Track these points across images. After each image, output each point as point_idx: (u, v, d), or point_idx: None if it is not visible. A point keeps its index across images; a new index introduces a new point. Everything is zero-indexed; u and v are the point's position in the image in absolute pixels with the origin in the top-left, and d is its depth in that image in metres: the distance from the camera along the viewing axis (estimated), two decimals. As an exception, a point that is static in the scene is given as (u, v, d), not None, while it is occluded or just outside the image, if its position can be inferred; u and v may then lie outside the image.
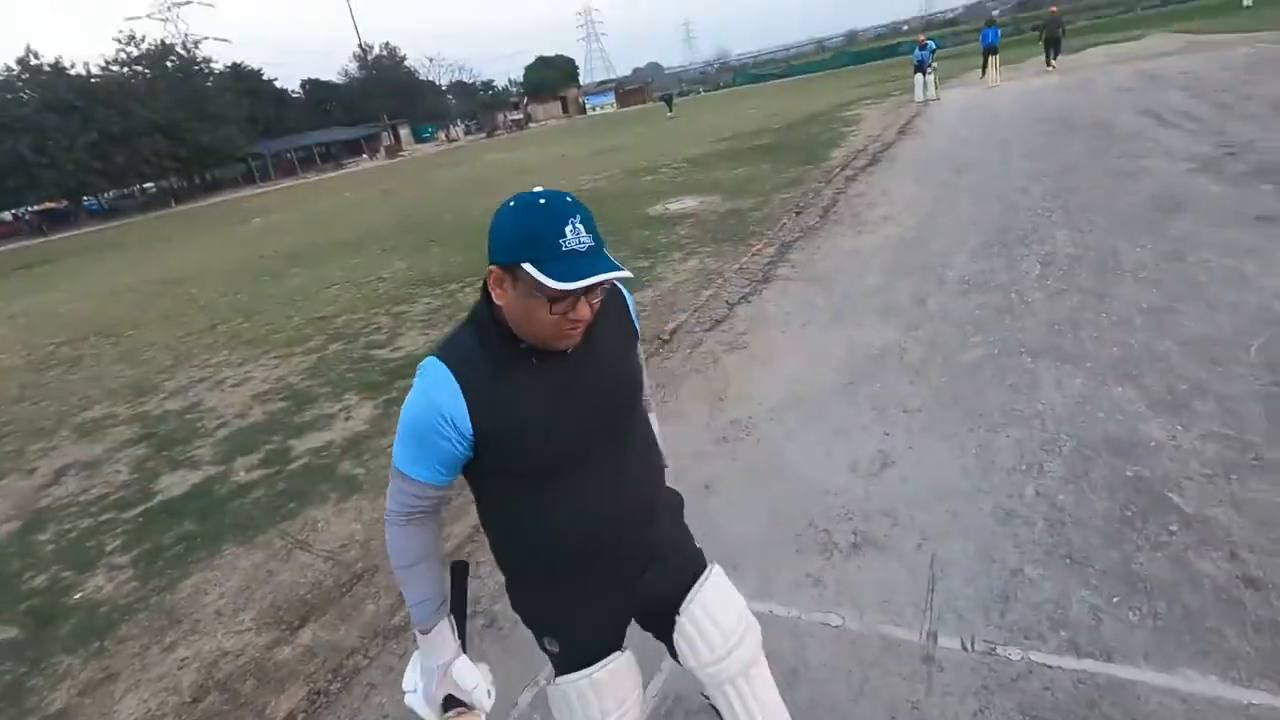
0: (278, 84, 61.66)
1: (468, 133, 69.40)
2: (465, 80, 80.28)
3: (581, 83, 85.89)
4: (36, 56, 42.23)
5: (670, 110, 36.64)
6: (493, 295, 1.12)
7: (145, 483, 4.33)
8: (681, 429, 3.61)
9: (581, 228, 1.05)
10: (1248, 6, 28.58)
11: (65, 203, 45.65)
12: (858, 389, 3.65)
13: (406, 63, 73.10)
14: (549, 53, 79.88)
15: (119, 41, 47.77)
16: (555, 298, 1.05)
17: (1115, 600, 2.06)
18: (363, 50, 67.18)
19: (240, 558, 3.28)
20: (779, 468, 3.10)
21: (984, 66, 18.97)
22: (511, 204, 1.08)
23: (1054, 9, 20.98)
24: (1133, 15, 46.15)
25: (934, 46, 17.91)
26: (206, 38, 54.49)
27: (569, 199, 1.08)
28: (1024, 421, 3.05)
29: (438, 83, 77.73)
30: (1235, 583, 2.04)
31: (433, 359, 1.15)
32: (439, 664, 1.27)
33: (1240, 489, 2.40)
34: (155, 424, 5.34)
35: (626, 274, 1.07)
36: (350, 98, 65.99)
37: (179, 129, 45.23)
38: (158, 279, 13.25)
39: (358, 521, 3.37)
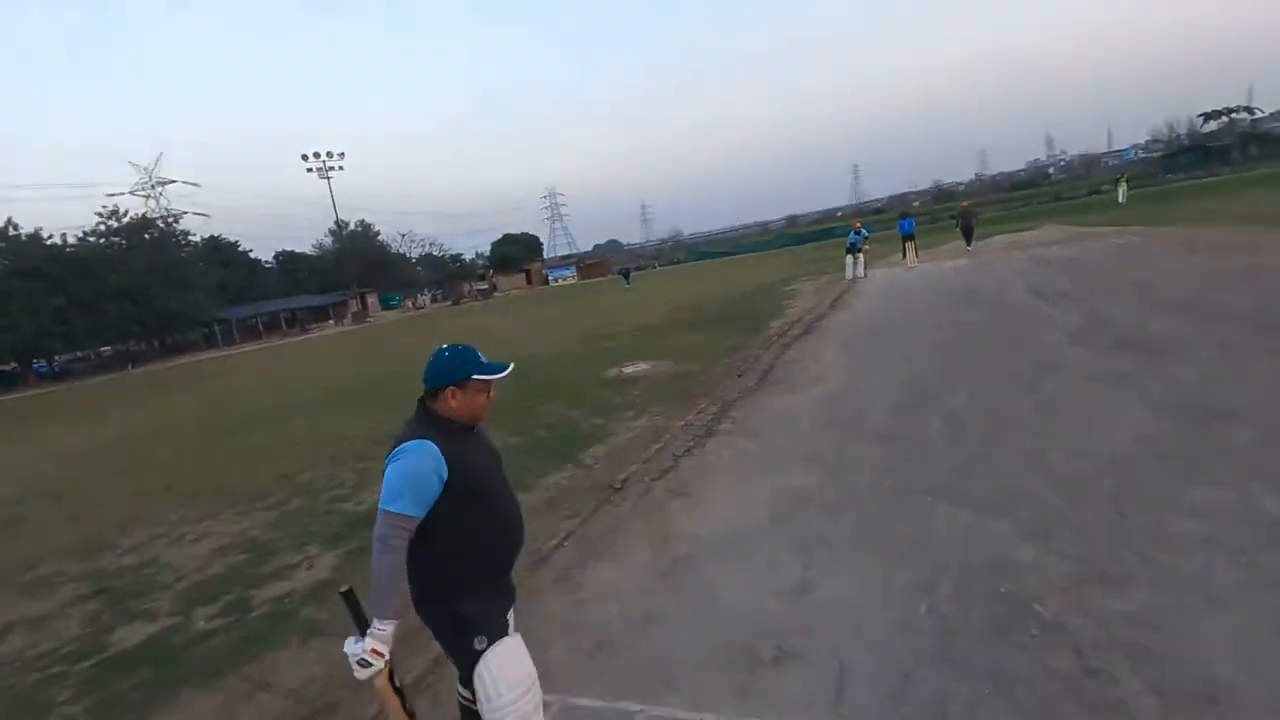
0: (253, 254, 64.45)
1: (434, 301, 72.38)
2: (435, 253, 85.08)
3: (545, 257, 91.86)
4: (16, 228, 43.73)
5: (628, 283, 39.47)
6: (450, 403, 2.03)
7: (99, 636, 4.34)
8: (629, 568, 3.96)
9: (482, 355, 2.09)
10: (1121, 204, 33.57)
11: (13, 364, 45.02)
12: (784, 527, 4.11)
13: (380, 237, 77.68)
14: (515, 228, 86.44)
15: (100, 215, 49.92)
16: (487, 388, 2.07)
17: (986, 693, 2.45)
18: (338, 226, 71.35)
19: (199, 701, 3.37)
20: (713, 597, 3.46)
21: (904, 250, 21.51)
22: (446, 353, 2.06)
23: (965, 203, 24.54)
24: (1030, 208, 53.06)
25: (866, 234, 20.44)
26: (186, 212, 57.26)
27: (469, 345, 2.10)
28: (921, 551, 3.53)
29: (408, 255, 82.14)
30: (1078, 673, 2.47)
31: (417, 440, 1.94)
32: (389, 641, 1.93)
33: (1088, 599, 2.89)
34: (109, 579, 5.35)
35: (511, 366, 2.13)
36: (322, 267, 69.06)
37: (146, 294, 46.23)
38: (110, 439, 13.18)
39: (319, 663, 3.52)
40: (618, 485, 5.36)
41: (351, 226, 74.19)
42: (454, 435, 2.03)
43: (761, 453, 5.62)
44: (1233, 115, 68.42)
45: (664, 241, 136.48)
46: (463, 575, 2.04)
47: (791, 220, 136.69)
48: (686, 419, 7.01)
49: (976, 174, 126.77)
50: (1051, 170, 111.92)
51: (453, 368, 2.03)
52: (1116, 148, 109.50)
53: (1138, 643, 2.56)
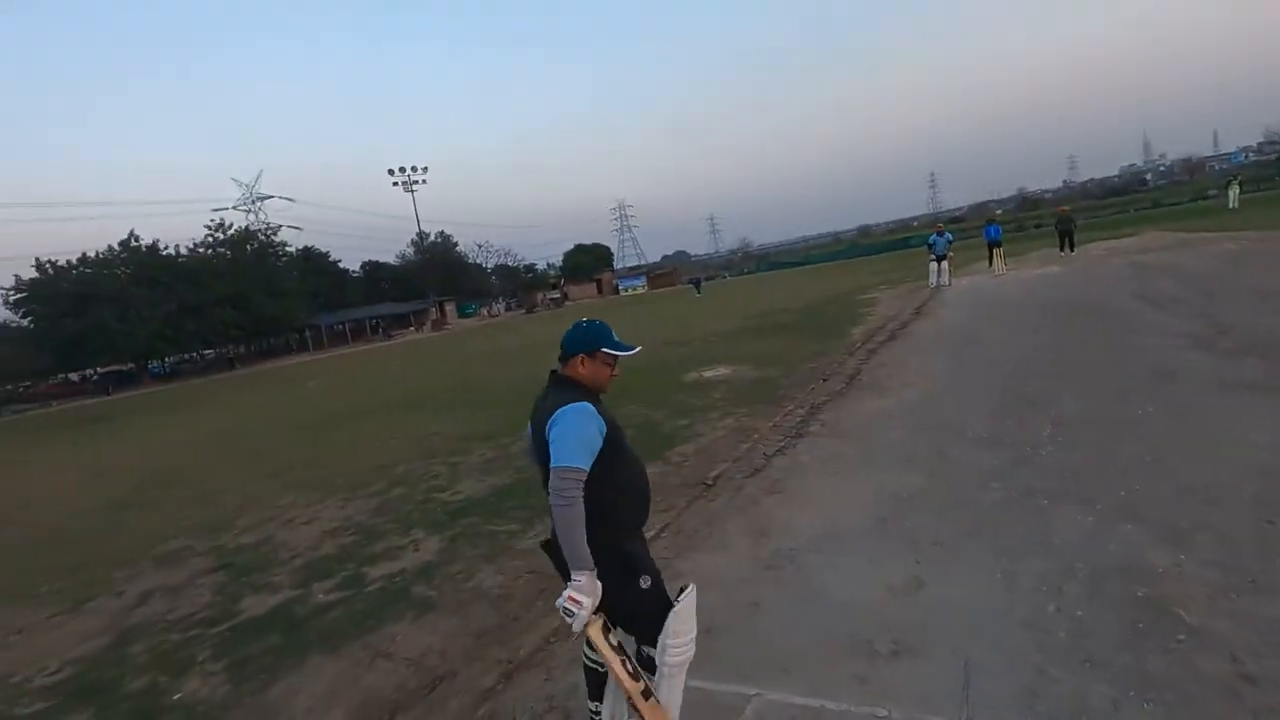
0: (341, 264, 68.11)
1: (508, 309, 74.36)
2: (509, 264, 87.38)
3: (615, 267, 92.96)
4: (136, 239, 47.80)
5: (699, 292, 39.44)
6: (579, 369, 2.24)
7: (228, 604, 4.68)
8: (728, 559, 3.97)
9: (615, 334, 2.29)
10: (1233, 208, 31.07)
11: (130, 365, 49.03)
12: (888, 525, 4.02)
13: (458, 248, 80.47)
14: (586, 238, 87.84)
15: (209, 228, 54.03)
16: (614, 361, 2.31)
17: (1131, 694, 2.33)
18: (420, 237, 74.42)
19: (325, 665, 3.58)
20: (821, 589, 3.43)
21: (990, 258, 20.65)
22: (584, 324, 2.29)
23: (1064, 208, 23.46)
24: (1127, 215, 49.83)
25: (950, 238, 19.73)
26: (282, 225, 61.25)
27: (604, 322, 2.31)
28: (1043, 552, 3.39)
29: (484, 265, 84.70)
30: (1236, 679, 2.31)
31: (578, 403, 2.12)
32: (588, 590, 2.03)
33: (1239, 606, 2.70)
34: (231, 555, 5.76)
35: (639, 348, 2.39)
36: (404, 276, 72.20)
37: (247, 301, 49.62)
38: (221, 432, 14.16)
39: (435, 635, 3.69)
40: (709, 481, 5.37)
41: (432, 238, 77.24)
42: (594, 400, 2.22)
43: (855, 454, 5.51)
44: (1363, 112, 62.38)
45: (733, 252, 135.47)
46: (624, 520, 2.25)
47: (864, 230, 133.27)
48: (774, 420, 6.95)
49: (1065, 180, 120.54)
50: (1149, 176, 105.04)
51: (587, 338, 2.28)
52: (1223, 150, 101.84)
53: (1302, 652, 2.38)
